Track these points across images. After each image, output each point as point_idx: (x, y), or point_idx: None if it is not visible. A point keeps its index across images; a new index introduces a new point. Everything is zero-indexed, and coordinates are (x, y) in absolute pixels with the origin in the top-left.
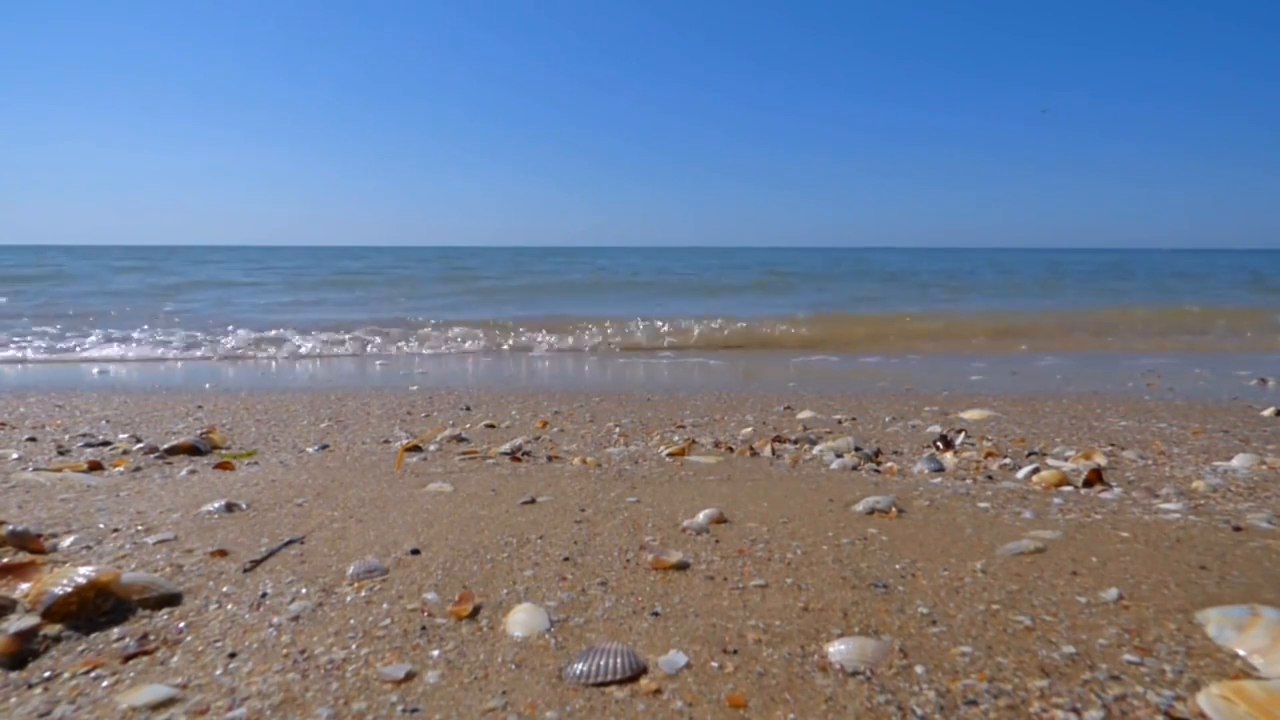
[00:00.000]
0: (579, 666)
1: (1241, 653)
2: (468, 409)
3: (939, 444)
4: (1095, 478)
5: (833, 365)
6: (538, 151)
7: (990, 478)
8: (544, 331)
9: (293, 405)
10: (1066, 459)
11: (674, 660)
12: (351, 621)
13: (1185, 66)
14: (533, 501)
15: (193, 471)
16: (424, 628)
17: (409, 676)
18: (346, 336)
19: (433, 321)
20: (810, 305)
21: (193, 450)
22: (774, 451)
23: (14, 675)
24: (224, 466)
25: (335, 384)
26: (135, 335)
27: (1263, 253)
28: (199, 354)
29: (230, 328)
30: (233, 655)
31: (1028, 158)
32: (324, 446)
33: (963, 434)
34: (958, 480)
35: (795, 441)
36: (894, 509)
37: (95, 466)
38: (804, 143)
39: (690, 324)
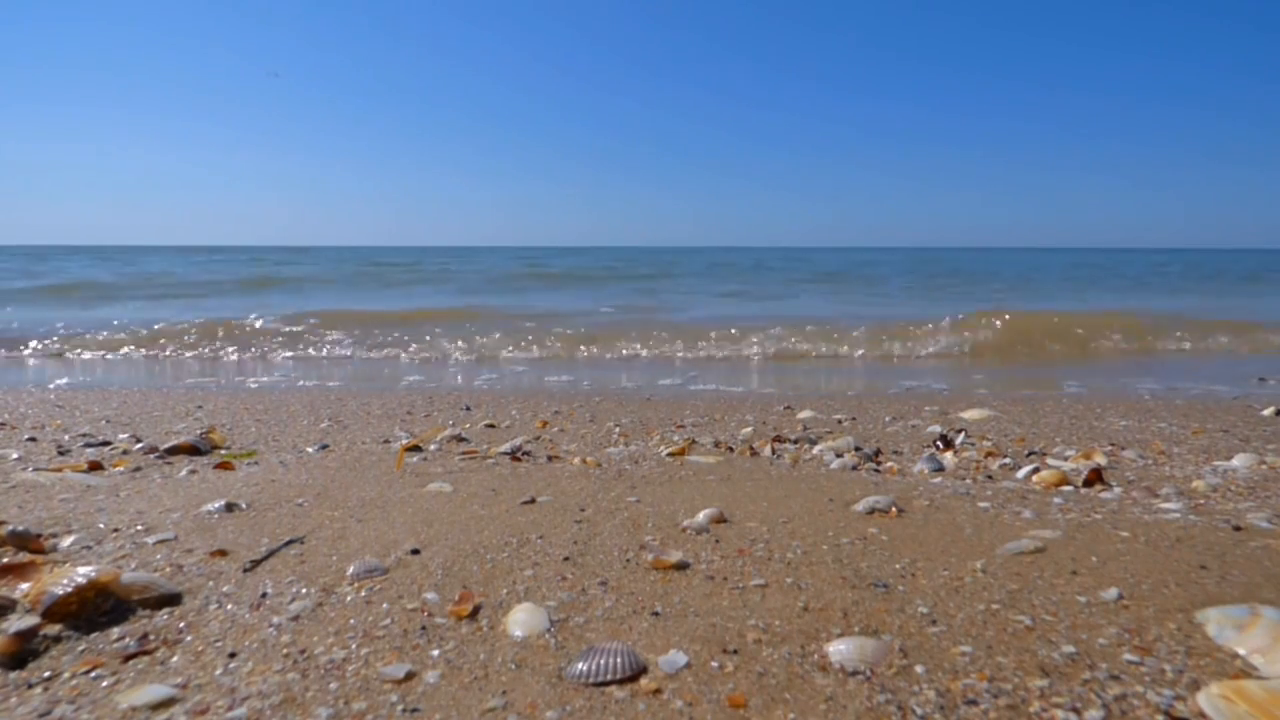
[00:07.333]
0: (579, 666)
1: (1241, 652)
2: (468, 409)
3: (939, 444)
4: (1095, 477)
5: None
6: (536, 151)
7: (990, 477)
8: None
9: (292, 405)
10: (1066, 459)
11: (674, 660)
12: (351, 621)
13: (1185, 66)
14: (533, 501)
15: (193, 471)
16: (424, 628)
17: (409, 676)
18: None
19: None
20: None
21: (193, 450)
22: (774, 451)
23: (14, 675)
24: (224, 466)
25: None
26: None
27: (1261, 252)
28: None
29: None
30: (233, 655)
31: (1027, 158)
32: (324, 446)
33: (963, 434)
34: (958, 480)
35: (795, 441)
36: (894, 509)
37: (95, 466)
38: (806, 141)
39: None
